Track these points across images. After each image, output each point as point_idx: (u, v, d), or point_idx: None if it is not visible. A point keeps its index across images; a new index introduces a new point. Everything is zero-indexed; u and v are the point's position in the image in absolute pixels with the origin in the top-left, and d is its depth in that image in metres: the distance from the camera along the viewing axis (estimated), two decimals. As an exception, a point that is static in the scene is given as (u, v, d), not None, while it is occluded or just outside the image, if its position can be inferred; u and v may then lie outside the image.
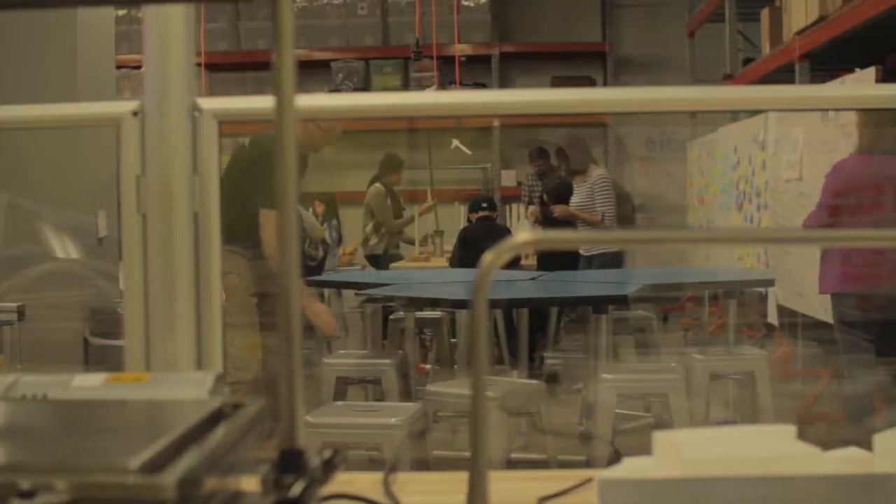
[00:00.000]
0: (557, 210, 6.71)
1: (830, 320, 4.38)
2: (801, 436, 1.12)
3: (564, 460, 3.69)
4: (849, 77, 5.07)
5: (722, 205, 8.28)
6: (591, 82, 10.77)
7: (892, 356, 4.08)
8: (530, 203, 8.87)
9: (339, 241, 8.60)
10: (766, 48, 7.77)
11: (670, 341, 6.65)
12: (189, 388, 1.17)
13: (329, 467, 0.96)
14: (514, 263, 6.75)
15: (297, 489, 0.87)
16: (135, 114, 1.50)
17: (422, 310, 6.11)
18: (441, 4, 10.41)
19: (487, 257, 0.94)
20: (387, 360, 4.45)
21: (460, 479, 1.23)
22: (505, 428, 3.40)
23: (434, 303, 4.32)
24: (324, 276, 6.49)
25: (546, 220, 7.00)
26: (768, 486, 1.01)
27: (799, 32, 6.62)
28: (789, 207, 6.11)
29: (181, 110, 1.49)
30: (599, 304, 4.11)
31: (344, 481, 1.37)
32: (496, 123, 10.71)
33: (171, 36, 1.49)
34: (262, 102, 1.61)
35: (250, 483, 0.92)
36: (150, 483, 0.77)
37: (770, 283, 5.26)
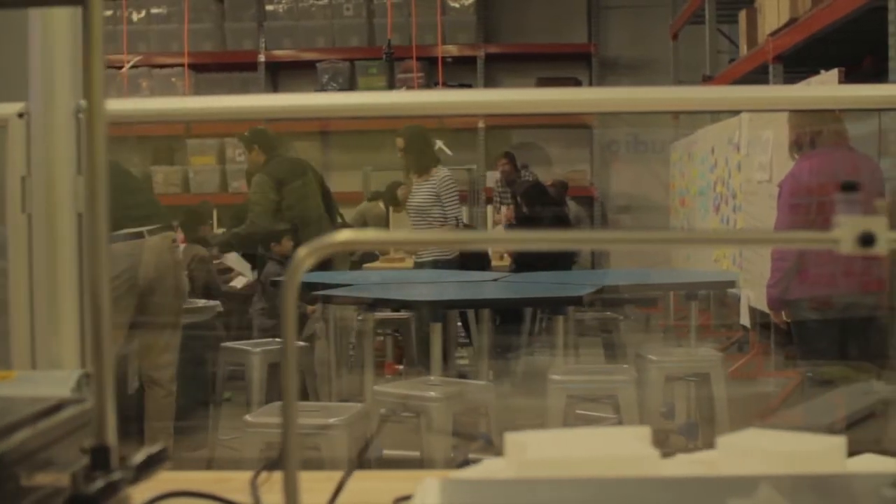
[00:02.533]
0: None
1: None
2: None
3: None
4: (813, 79, 5.08)
5: (700, 207, 8.28)
6: (576, 83, 10.77)
7: (849, 359, 4.09)
8: (502, 205, 8.99)
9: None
10: (743, 49, 7.79)
11: (642, 342, 6.65)
12: (52, 386, 1.20)
13: (147, 465, 0.97)
14: (487, 264, 6.76)
15: (94, 486, 0.88)
16: (20, 115, 1.52)
17: (398, 311, 6.12)
18: (427, 6, 10.42)
19: (300, 253, 0.94)
20: None
21: (331, 477, 1.23)
22: (451, 428, 3.41)
23: (379, 303, 4.35)
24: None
25: (520, 222, 7.00)
26: (589, 487, 1.01)
27: (772, 34, 6.63)
28: (761, 209, 6.12)
29: (66, 112, 1.51)
30: (554, 305, 4.12)
31: (218, 479, 1.38)
32: (481, 124, 10.72)
33: (56, 38, 1.51)
34: (147, 104, 1.63)
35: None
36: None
37: (731, 284, 5.28)
